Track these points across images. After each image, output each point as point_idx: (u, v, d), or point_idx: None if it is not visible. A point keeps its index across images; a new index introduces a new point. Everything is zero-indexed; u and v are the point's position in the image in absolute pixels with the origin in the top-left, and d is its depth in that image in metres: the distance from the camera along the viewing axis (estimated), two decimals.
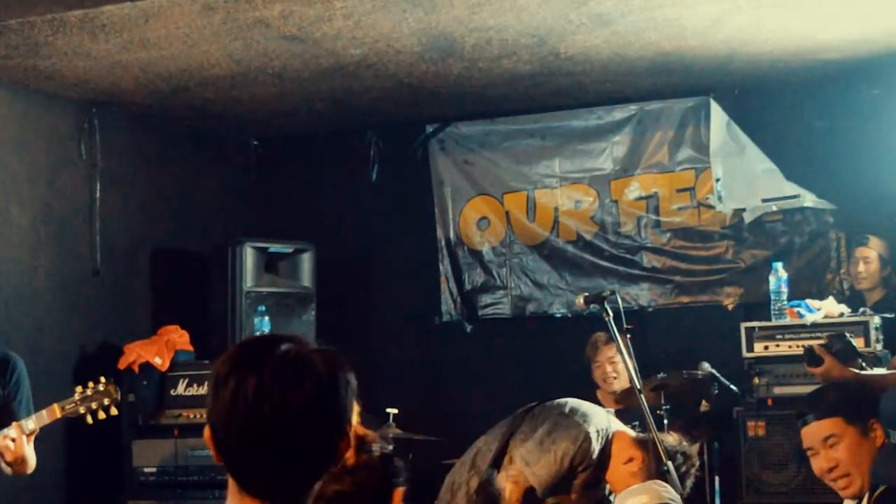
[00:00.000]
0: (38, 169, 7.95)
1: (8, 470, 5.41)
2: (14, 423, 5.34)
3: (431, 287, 9.56)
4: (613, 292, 5.81)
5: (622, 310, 5.57)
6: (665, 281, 8.93)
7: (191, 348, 8.18)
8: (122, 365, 7.93)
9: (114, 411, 5.61)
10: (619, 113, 9.13)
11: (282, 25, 6.51)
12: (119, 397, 5.66)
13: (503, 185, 9.45)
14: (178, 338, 8.10)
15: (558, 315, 9.18)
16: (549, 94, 8.73)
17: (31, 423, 5.36)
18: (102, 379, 5.61)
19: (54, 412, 5.43)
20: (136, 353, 7.95)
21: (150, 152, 8.95)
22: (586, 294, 5.76)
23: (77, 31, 6.49)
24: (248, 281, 8.47)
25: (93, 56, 7.03)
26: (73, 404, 5.52)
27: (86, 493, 8.09)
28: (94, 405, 5.53)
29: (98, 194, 8.34)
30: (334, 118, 9.28)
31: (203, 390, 7.69)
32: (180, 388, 7.89)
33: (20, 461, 5.36)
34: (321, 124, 9.46)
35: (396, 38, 6.92)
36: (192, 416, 7.82)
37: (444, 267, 9.57)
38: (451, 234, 9.56)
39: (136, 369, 7.93)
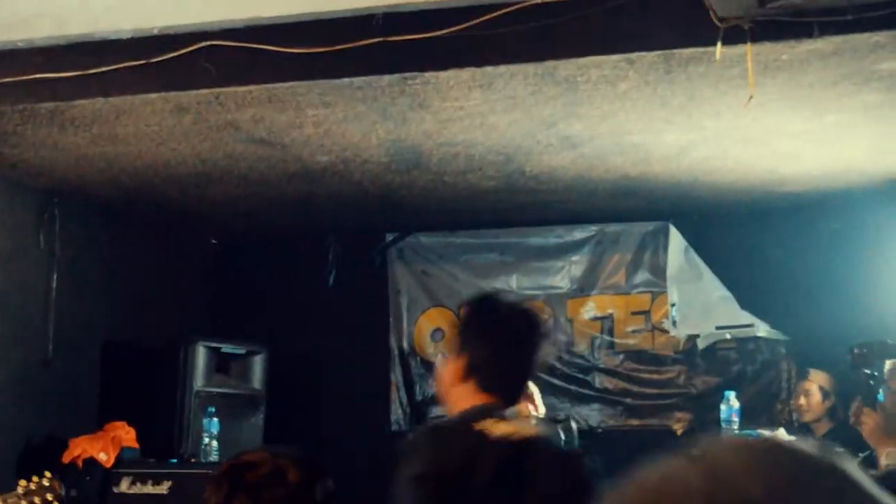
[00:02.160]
0: None
1: None
2: None
3: (382, 395, 9.54)
4: (568, 417, 5.81)
5: (577, 433, 5.58)
6: (616, 402, 8.96)
7: (136, 445, 8.10)
8: (66, 459, 7.83)
9: None
10: (579, 233, 9.21)
11: (252, 129, 6.54)
12: (63, 493, 5.57)
13: (460, 298, 9.41)
14: (125, 434, 8.02)
15: None
16: (511, 210, 8.79)
17: None
18: (47, 474, 5.52)
19: None
20: (82, 448, 7.86)
21: (108, 245, 8.92)
22: (541, 416, 5.76)
23: (47, 123, 6.48)
24: (199, 380, 8.42)
25: (59, 147, 7.02)
26: (16, 498, 5.43)
27: None
28: (36, 500, 5.45)
29: (55, 284, 8.29)
30: (296, 221, 9.30)
31: (147, 489, 7.61)
32: (124, 486, 7.79)
33: None
34: (282, 227, 9.48)
35: (365, 147, 6.96)
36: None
37: (396, 376, 9.57)
38: (405, 344, 9.56)
39: (80, 464, 7.84)
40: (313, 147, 6.96)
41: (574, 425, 5.68)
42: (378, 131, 6.59)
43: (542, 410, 5.75)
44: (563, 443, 5.55)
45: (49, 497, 5.43)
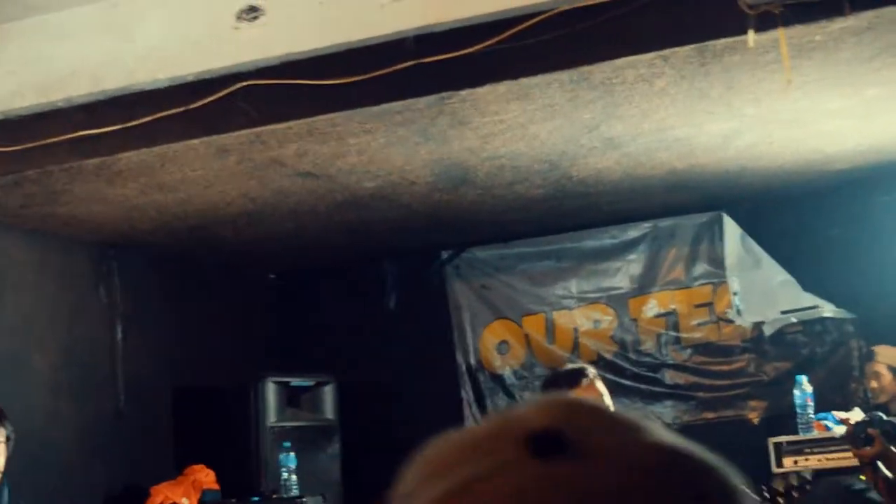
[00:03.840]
0: (58, 313, 7.97)
1: None
2: None
3: (454, 413, 9.54)
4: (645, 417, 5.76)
5: None
6: (688, 397, 8.91)
7: (217, 487, 8.14)
8: None
9: None
10: (633, 231, 9.18)
11: (297, 163, 6.57)
12: None
13: (521, 308, 9.48)
14: (205, 477, 8.07)
15: None
16: (562, 216, 8.78)
17: None
18: None
19: None
20: (164, 495, 7.91)
21: (168, 291, 8.99)
22: None
23: (94, 178, 6.55)
24: (272, 416, 8.47)
25: (109, 200, 7.10)
26: None
27: None
28: None
29: (119, 335, 8.36)
30: (350, 249, 9.35)
31: None
32: None
33: None
34: (337, 255, 9.53)
35: (410, 170, 6.98)
36: None
37: (466, 392, 9.57)
38: (472, 360, 9.57)
39: None
40: (359, 174, 6.99)
41: None
42: (421, 152, 6.61)
43: None
44: None
45: None
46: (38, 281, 7.85)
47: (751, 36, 4.92)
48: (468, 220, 8.62)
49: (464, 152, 6.69)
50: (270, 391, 8.51)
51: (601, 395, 5.72)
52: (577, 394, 5.69)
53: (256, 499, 7.93)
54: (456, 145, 6.51)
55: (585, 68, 5.28)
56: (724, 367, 8.85)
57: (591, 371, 5.87)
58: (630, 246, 9.20)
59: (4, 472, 5.46)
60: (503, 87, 5.48)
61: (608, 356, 9.13)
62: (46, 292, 7.90)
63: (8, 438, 5.48)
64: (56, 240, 7.93)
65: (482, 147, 6.60)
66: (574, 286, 9.35)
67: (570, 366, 6.29)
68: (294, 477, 7.91)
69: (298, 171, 6.75)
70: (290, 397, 8.71)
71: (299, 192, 7.32)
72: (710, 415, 8.85)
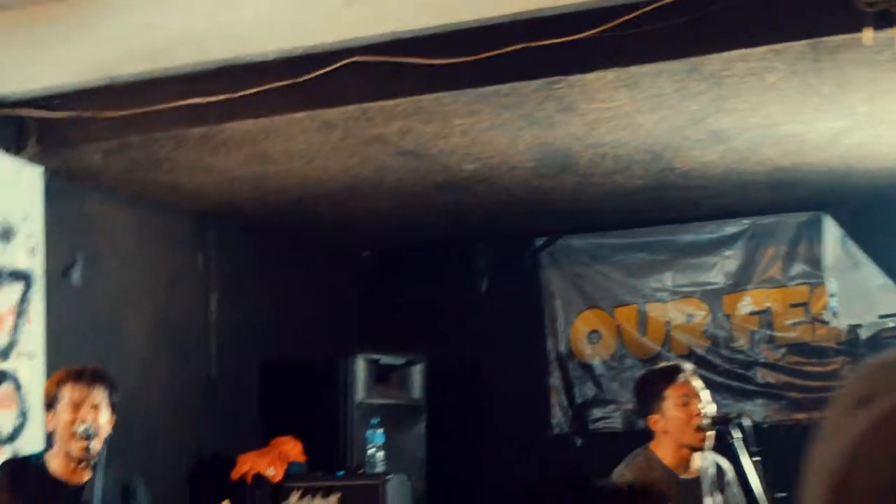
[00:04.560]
0: (155, 280, 8.04)
1: None
2: None
3: (541, 399, 9.53)
4: (740, 415, 5.70)
5: (750, 432, 5.49)
6: (779, 397, 8.82)
7: (303, 459, 8.18)
8: (234, 476, 7.94)
9: None
10: (732, 227, 9.09)
11: (399, 142, 6.58)
12: None
13: (614, 299, 9.43)
14: (292, 449, 8.10)
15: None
16: (660, 208, 8.72)
17: None
18: (225, 502, 5.53)
19: None
20: (250, 464, 7.96)
21: (263, 263, 9.04)
22: (712, 416, 5.67)
23: (197, 147, 6.60)
24: (360, 392, 8.48)
25: (211, 170, 7.14)
26: None
27: None
28: None
29: (213, 304, 8.43)
30: (444, 230, 9.35)
31: (316, 502, 7.69)
32: (293, 500, 7.84)
33: None
34: (432, 235, 9.53)
35: (511, 154, 6.96)
36: None
37: (555, 379, 9.55)
38: (562, 347, 9.54)
39: (249, 480, 7.94)
40: (460, 156, 6.98)
41: (747, 422, 5.57)
42: (524, 137, 6.59)
43: (711, 409, 5.68)
44: (733, 442, 5.50)
45: None
46: (138, 246, 7.92)
47: (868, 34, 4.84)
48: (565, 207, 8.59)
49: (567, 139, 6.66)
50: (360, 367, 8.52)
51: (697, 391, 5.68)
52: (672, 391, 5.66)
53: (342, 473, 7.95)
54: (560, 131, 6.49)
55: (696, 59, 5.24)
56: (818, 369, 8.74)
57: (688, 367, 5.84)
58: (727, 242, 9.11)
59: (107, 438, 5.51)
60: (612, 75, 5.45)
61: (700, 351, 9.05)
62: (145, 258, 7.97)
63: (114, 405, 5.53)
64: (156, 206, 7.99)
65: (586, 134, 6.57)
66: (669, 279, 9.28)
67: (665, 362, 6.26)
68: (380, 454, 7.92)
69: (400, 149, 6.76)
70: (379, 375, 8.73)
71: (399, 171, 7.33)
72: (800, 415, 8.74)
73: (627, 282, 9.37)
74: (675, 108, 6.10)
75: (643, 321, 9.32)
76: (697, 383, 5.72)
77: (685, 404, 5.64)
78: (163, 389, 7.98)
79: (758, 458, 5.49)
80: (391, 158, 6.99)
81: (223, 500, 5.63)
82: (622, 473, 5.73)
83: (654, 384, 5.80)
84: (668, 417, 5.66)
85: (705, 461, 5.80)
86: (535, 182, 7.74)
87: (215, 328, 8.44)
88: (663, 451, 5.71)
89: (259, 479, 7.96)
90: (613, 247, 9.45)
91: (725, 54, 5.19)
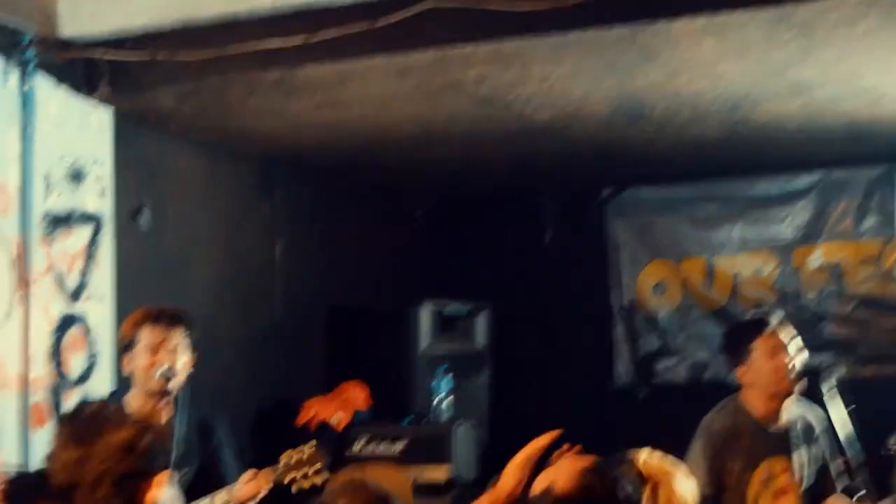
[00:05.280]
0: (222, 224, 8.01)
1: None
2: (225, 489, 5.25)
3: (605, 351, 9.47)
4: (832, 365, 5.63)
5: (842, 383, 5.42)
6: (848, 352, 8.71)
7: (368, 406, 8.13)
8: (299, 421, 7.91)
9: (319, 479, 5.43)
10: (803, 180, 8.97)
11: (475, 89, 6.49)
12: (328, 462, 5.45)
13: (681, 251, 9.34)
14: (357, 395, 8.06)
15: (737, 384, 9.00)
16: (732, 160, 8.61)
17: (241, 490, 5.26)
18: (310, 444, 5.45)
19: (262, 481, 5.31)
20: (315, 410, 7.93)
21: (329, 210, 8.99)
22: (802, 367, 5.59)
23: (271, 92, 6.53)
24: (425, 341, 8.44)
25: (283, 115, 7.08)
26: (283, 470, 5.39)
27: None
28: (304, 472, 5.39)
29: (279, 250, 8.39)
30: (512, 180, 9.27)
31: (382, 449, 7.65)
32: (358, 447, 7.80)
33: None
34: (498, 185, 9.45)
35: (587, 102, 6.86)
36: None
37: (619, 331, 9.49)
38: (627, 299, 9.48)
39: (314, 427, 7.91)
40: (535, 104, 6.89)
41: (839, 373, 5.52)
42: (603, 85, 6.49)
43: (801, 359, 5.60)
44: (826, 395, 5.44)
45: (317, 468, 5.38)
46: (205, 192, 7.88)
47: None
48: (635, 158, 8.49)
49: (645, 88, 6.55)
50: (425, 316, 8.48)
51: (786, 342, 5.60)
52: (760, 342, 5.58)
53: (408, 421, 7.91)
54: (639, 80, 6.38)
55: (789, 7, 5.12)
56: (888, 324, 8.64)
57: (776, 318, 5.75)
58: (799, 195, 8.99)
59: (188, 378, 5.50)
60: (699, 22, 5.35)
61: (768, 305, 8.95)
62: (212, 204, 7.93)
63: (193, 344, 5.51)
64: (224, 152, 7.95)
65: (666, 83, 6.46)
66: (737, 232, 9.18)
67: (754, 313, 6.20)
68: (447, 402, 7.89)
69: (475, 97, 6.67)
70: (444, 323, 8.67)
71: (471, 119, 7.24)
72: (870, 370, 8.63)
73: (695, 234, 9.28)
74: (759, 58, 5.99)
75: (710, 274, 9.23)
76: (787, 334, 5.64)
77: (774, 356, 5.58)
78: (229, 335, 7.94)
79: (851, 409, 5.42)
80: (465, 106, 6.89)
81: (289, 447, 5.55)
82: (711, 420, 5.70)
83: (742, 336, 5.74)
84: (756, 369, 5.61)
85: (795, 413, 5.73)
86: (607, 132, 7.63)
87: (281, 275, 8.40)
88: (753, 401, 5.66)
89: (324, 425, 7.93)
90: (682, 198, 9.35)
91: (819, 3, 5.08)
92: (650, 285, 9.44)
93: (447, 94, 6.63)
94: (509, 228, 9.78)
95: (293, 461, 5.36)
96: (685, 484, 3.44)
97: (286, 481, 5.35)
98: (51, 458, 3.41)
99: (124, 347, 5.48)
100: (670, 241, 9.38)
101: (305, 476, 5.35)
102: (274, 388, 8.31)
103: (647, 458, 3.59)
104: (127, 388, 5.54)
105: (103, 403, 5.60)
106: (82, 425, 3.43)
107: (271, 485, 5.31)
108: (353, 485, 4.05)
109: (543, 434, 4.30)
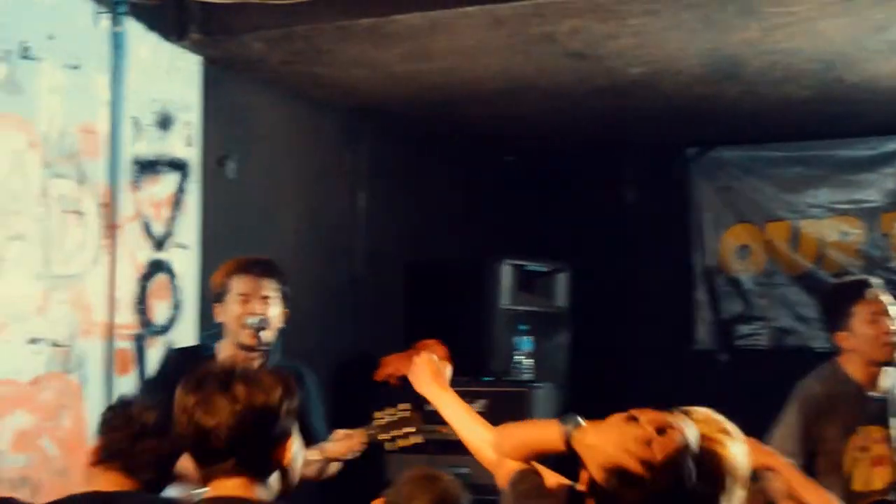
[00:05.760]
0: (304, 175, 7.96)
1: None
2: (318, 447, 5.22)
3: (686, 313, 9.38)
4: None
5: None
6: None
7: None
8: (378, 377, 7.87)
9: (416, 439, 5.40)
10: (893, 144, 8.81)
11: (567, 42, 6.39)
12: (423, 425, 5.41)
13: (766, 214, 9.21)
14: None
15: (821, 350, 8.88)
16: (821, 122, 8.46)
17: (334, 448, 5.25)
18: (404, 405, 5.41)
19: (356, 440, 5.29)
20: (394, 367, 7.88)
21: (411, 163, 8.93)
22: None
23: (362, 40, 6.46)
24: (505, 298, 8.36)
25: (371, 65, 7.01)
26: (379, 431, 5.36)
27: None
28: (400, 432, 5.37)
29: (360, 203, 8.34)
30: (595, 136, 9.15)
31: None
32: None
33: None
34: (581, 141, 9.33)
35: (680, 58, 6.75)
36: (446, 431, 7.69)
37: (701, 294, 9.39)
38: (710, 261, 9.37)
39: (393, 382, 7.86)
40: (627, 58, 6.78)
41: None
42: (697, 40, 6.37)
43: None
44: None
45: (413, 429, 5.34)
46: (290, 141, 7.84)
47: None
48: (723, 117, 8.36)
49: (741, 44, 6.44)
50: (505, 273, 8.39)
51: (886, 307, 5.50)
52: (860, 307, 5.48)
53: (488, 379, 7.86)
54: (735, 36, 6.27)
55: None
56: None
57: (876, 281, 5.65)
58: (888, 158, 8.84)
59: (280, 329, 5.47)
60: None
61: (854, 270, 8.81)
62: (295, 153, 7.89)
63: (285, 296, 5.48)
64: (309, 101, 7.89)
65: (761, 39, 6.34)
66: (824, 195, 9.04)
67: (852, 277, 6.09)
68: (528, 361, 7.83)
69: (568, 50, 6.57)
70: (524, 281, 8.58)
71: (562, 73, 7.14)
72: None
73: (781, 197, 9.14)
74: (861, 15, 5.87)
75: (796, 237, 9.10)
76: (887, 298, 5.54)
77: (874, 321, 5.47)
78: (310, 286, 7.89)
79: None
80: (556, 59, 6.80)
81: (368, 403, 5.52)
82: (811, 385, 5.60)
83: (840, 300, 5.64)
84: (856, 334, 5.51)
85: (889, 383, 5.63)
86: (697, 89, 7.51)
87: (361, 227, 8.36)
88: (852, 366, 5.56)
89: (402, 381, 7.87)
90: (768, 160, 9.22)
91: None
92: (733, 248, 9.33)
93: (539, 47, 6.54)
94: (592, 186, 9.68)
95: (386, 422, 5.32)
96: (736, 447, 3.32)
97: (380, 439, 5.32)
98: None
99: (216, 296, 5.45)
100: (755, 204, 9.25)
101: (405, 436, 5.31)
102: (354, 342, 8.28)
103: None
104: (217, 338, 5.52)
105: (195, 350, 5.60)
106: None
107: (365, 445, 5.29)
108: (425, 478, 4.00)
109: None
